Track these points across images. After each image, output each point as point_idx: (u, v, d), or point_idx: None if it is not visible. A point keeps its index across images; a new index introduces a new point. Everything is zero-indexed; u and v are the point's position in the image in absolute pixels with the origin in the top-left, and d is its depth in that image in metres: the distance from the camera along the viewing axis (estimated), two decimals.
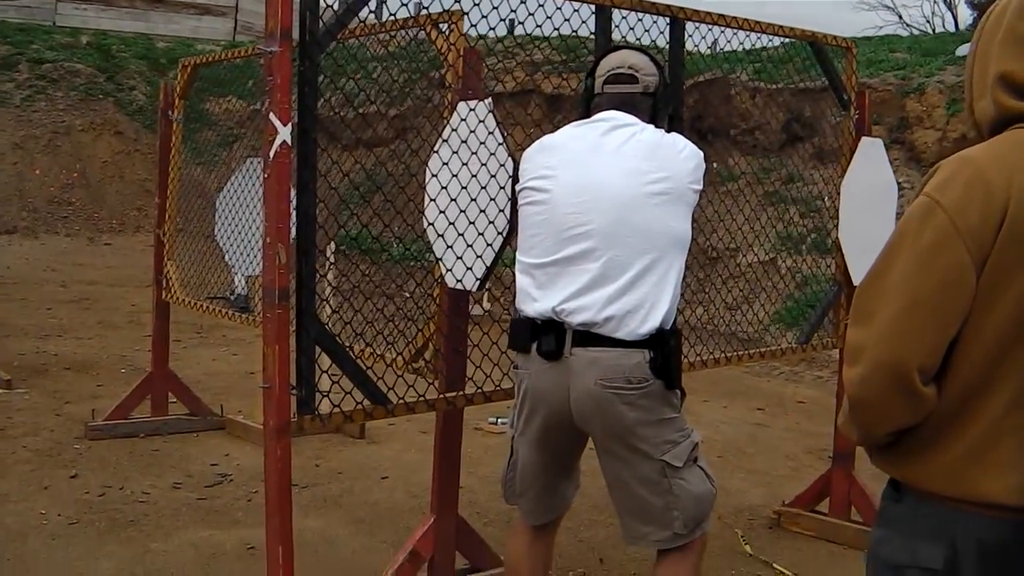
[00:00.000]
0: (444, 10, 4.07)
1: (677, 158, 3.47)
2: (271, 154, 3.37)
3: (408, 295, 5.24)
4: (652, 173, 3.39)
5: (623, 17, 4.32)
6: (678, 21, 4.51)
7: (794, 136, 13.60)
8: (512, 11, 4.01)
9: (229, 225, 6.65)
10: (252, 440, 6.84)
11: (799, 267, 10.42)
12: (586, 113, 3.67)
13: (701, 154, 3.55)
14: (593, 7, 4.23)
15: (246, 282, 7.61)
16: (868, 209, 5.42)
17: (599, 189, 3.37)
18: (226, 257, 7.37)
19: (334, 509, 5.69)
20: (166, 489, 5.86)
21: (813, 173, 10.59)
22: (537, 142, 3.63)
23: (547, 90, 15.23)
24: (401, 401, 3.80)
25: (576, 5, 4.17)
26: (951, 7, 33.49)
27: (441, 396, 3.99)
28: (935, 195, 2.05)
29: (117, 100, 19.85)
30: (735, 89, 13.84)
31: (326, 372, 3.57)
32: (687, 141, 3.55)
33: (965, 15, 33.94)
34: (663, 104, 3.67)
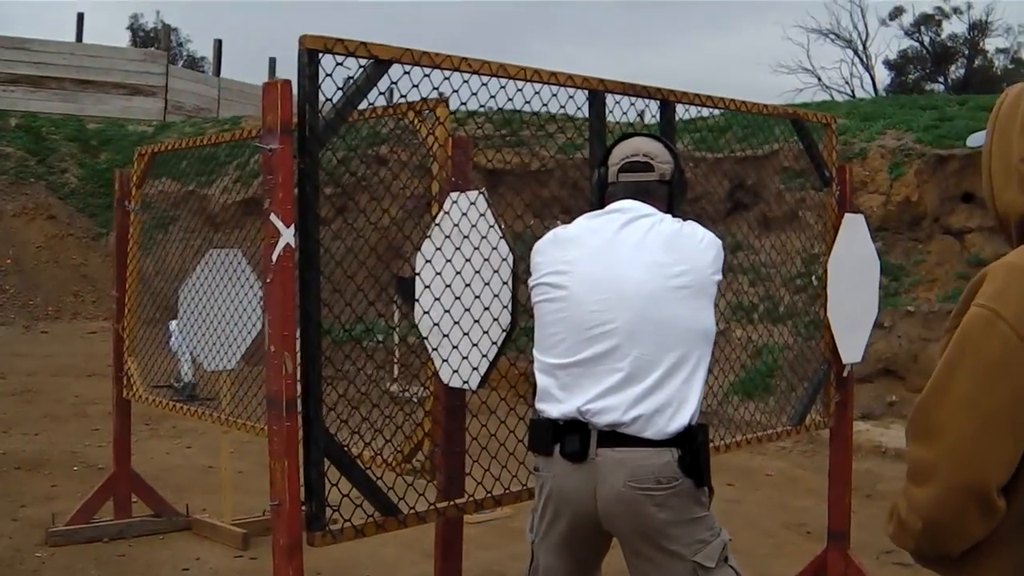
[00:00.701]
0: (424, 99, 3.93)
1: (697, 249, 3.38)
2: (274, 258, 3.21)
3: (403, 391, 5.06)
4: (673, 266, 3.30)
5: (616, 102, 4.23)
6: (668, 104, 4.43)
7: (738, 204, 13.65)
8: (509, 99, 3.88)
9: (192, 318, 6.44)
10: (221, 540, 6.61)
11: (751, 336, 10.38)
12: (600, 203, 3.57)
13: (720, 242, 3.45)
14: (587, 93, 4.13)
15: (193, 371, 7.42)
16: (853, 285, 5.36)
17: (621, 285, 3.27)
18: (171, 343, 7.17)
19: None
20: None
21: (759, 241, 10.63)
22: (550, 234, 3.51)
23: (487, 166, 15.15)
24: (412, 511, 3.61)
25: (571, 91, 4.07)
26: (868, 69, 34.20)
27: (452, 503, 3.81)
28: (994, 306, 1.98)
29: (49, 183, 19.56)
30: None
31: (335, 485, 3.37)
32: (705, 230, 3.45)
33: (883, 76, 34.64)
34: (679, 192, 3.58)
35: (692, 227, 3.44)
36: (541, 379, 3.36)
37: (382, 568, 6.17)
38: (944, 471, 1.97)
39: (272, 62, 28.19)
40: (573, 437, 3.23)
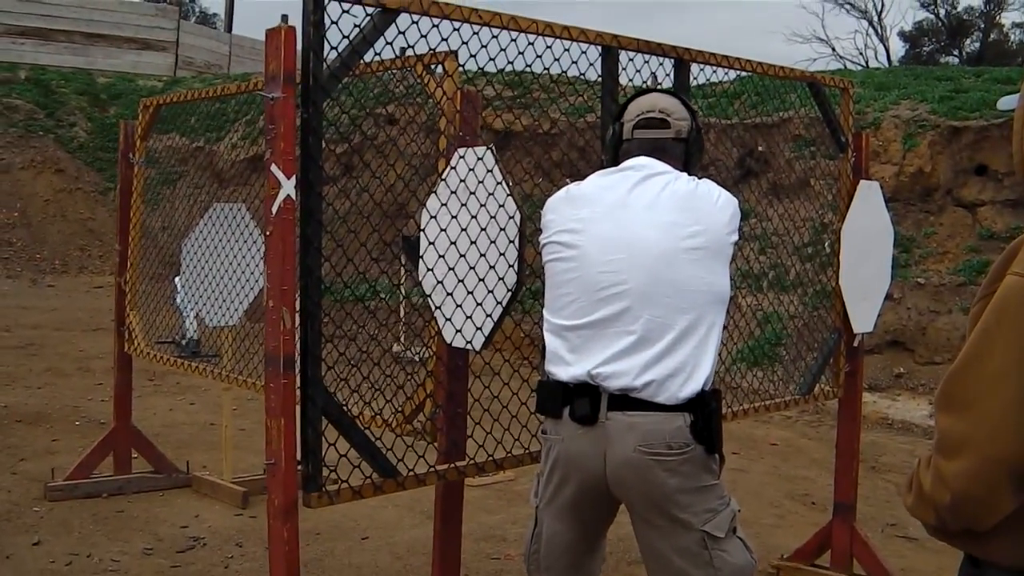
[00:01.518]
0: (432, 51, 3.83)
1: (713, 208, 3.27)
2: (274, 209, 3.13)
3: (403, 348, 4.97)
4: (688, 226, 3.20)
5: (630, 59, 4.13)
6: (683, 63, 4.32)
7: (748, 171, 13.53)
8: (520, 52, 3.78)
9: (195, 273, 6.37)
10: (221, 498, 6.55)
11: (760, 305, 10.29)
12: (614, 159, 3.49)
13: (736, 202, 3.36)
14: (600, 48, 4.02)
15: (197, 327, 7.35)
16: (866, 253, 5.26)
17: (634, 245, 3.17)
18: (177, 300, 7.11)
19: (317, 575, 5.40)
20: (137, 556, 5.54)
21: (768, 209, 10.51)
22: (562, 191, 3.41)
23: (497, 127, 15.03)
24: (411, 473, 3.54)
25: (583, 47, 3.96)
26: (883, 40, 33.93)
27: (452, 466, 3.73)
28: None
29: (57, 137, 19.49)
30: None
31: (333, 445, 3.29)
32: (721, 189, 3.35)
33: (897, 47, 34.40)
34: (696, 150, 3.48)
35: (708, 186, 3.34)
36: (550, 340, 3.27)
37: (382, 530, 6.11)
38: (978, 444, 1.91)
39: (284, 19, 27.98)
40: (583, 400, 3.15)
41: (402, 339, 10.37)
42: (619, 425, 3.12)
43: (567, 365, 3.20)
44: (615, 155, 3.50)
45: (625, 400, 3.12)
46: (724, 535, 3.20)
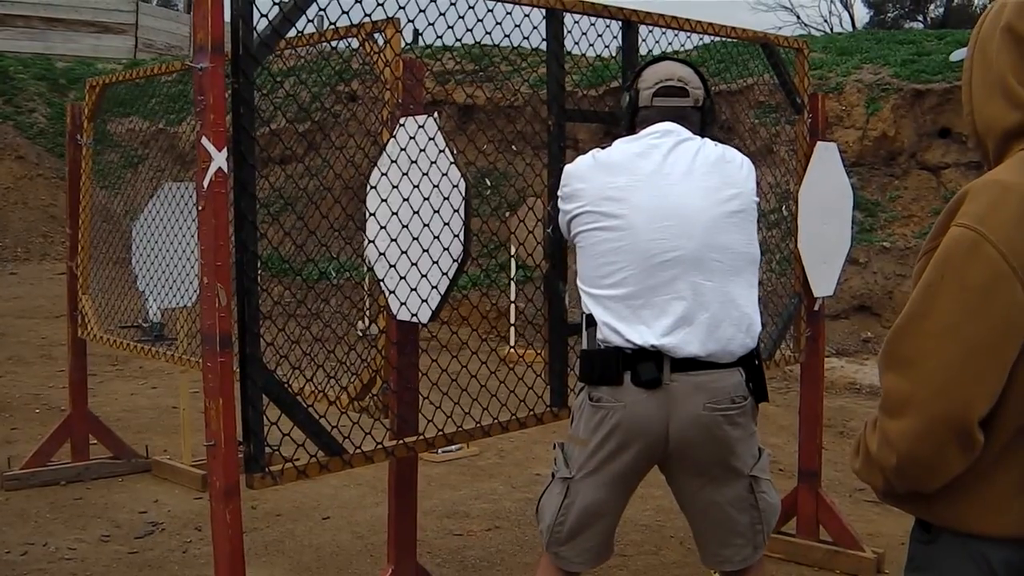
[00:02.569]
0: (380, 19, 3.73)
1: (740, 172, 3.41)
2: (205, 183, 3.03)
3: (353, 326, 4.90)
4: (724, 190, 3.33)
5: (575, 22, 4.04)
6: (632, 25, 4.24)
7: (712, 139, 13.47)
8: (460, 17, 3.69)
9: (146, 254, 6.27)
10: (181, 482, 6.46)
11: None
12: (631, 126, 3.52)
13: (752, 165, 3.50)
14: (544, 12, 3.93)
15: (160, 310, 7.25)
16: (825, 216, 5.20)
17: (681, 212, 3.26)
18: (138, 283, 7.00)
19: (277, 556, 5.32)
20: (94, 543, 5.44)
21: None
22: (587, 158, 3.42)
23: (460, 100, 14.90)
24: (359, 451, 3.45)
25: (527, 10, 3.87)
26: (847, 7, 33.90)
27: (400, 442, 3.64)
28: (978, 226, 1.84)
29: (17, 123, 19.20)
30: None
31: (275, 424, 3.20)
32: (739, 153, 3.47)
33: (862, 14, 34.40)
34: (710, 119, 3.55)
35: (730, 151, 3.46)
36: (597, 311, 3.31)
37: (343, 508, 6.03)
38: (923, 402, 1.86)
39: None
40: (648, 364, 3.22)
41: (366, 316, 10.30)
42: (685, 386, 3.24)
43: (620, 335, 3.24)
44: (632, 122, 3.52)
45: (687, 361, 3.22)
46: (767, 476, 3.45)
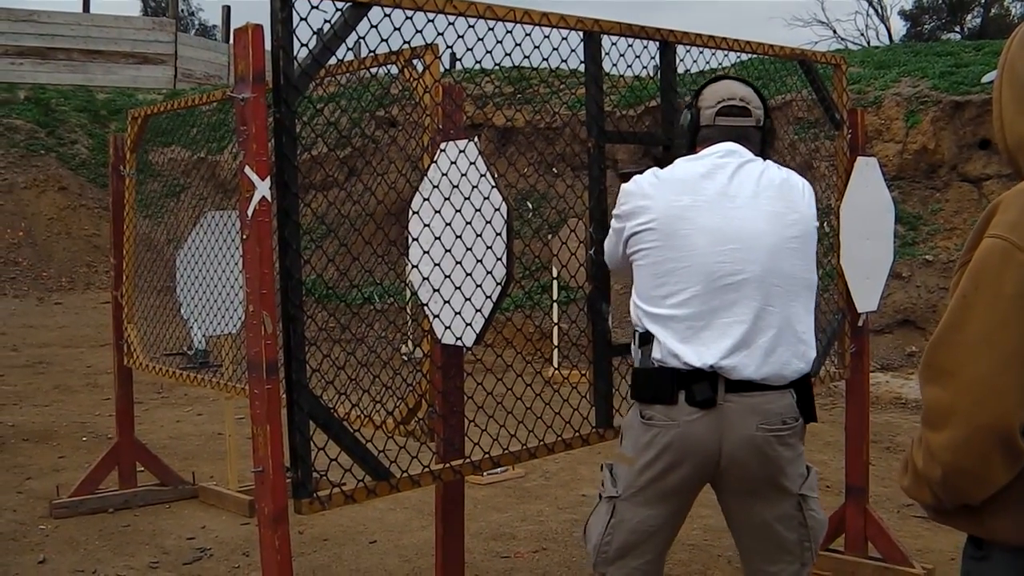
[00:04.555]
0: (419, 46, 3.76)
1: (802, 197, 3.43)
2: (249, 212, 3.06)
3: (397, 350, 4.92)
4: (788, 215, 3.35)
5: (613, 43, 4.05)
6: (669, 45, 4.24)
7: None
8: (498, 41, 3.70)
9: (190, 282, 6.33)
10: (228, 508, 6.50)
11: None
12: (692, 145, 3.52)
13: (811, 187, 3.51)
14: (582, 34, 3.95)
15: (205, 337, 7.30)
16: (867, 231, 5.17)
17: (747, 236, 3.27)
18: (182, 311, 7.06)
19: None
20: (142, 570, 5.48)
21: None
22: (649, 176, 3.43)
23: (499, 123, 14.95)
24: (405, 475, 3.46)
25: (565, 32, 3.89)
26: (884, 20, 33.80)
27: (447, 466, 3.65)
28: (1011, 236, 1.88)
29: (59, 155, 19.46)
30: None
31: (322, 449, 3.22)
32: (800, 177, 3.48)
33: (898, 26, 34.25)
34: (770, 138, 3.55)
35: (793, 175, 3.47)
36: (655, 330, 3.31)
37: (390, 533, 6.04)
38: (963, 412, 1.87)
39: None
40: (703, 385, 3.23)
41: (410, 340, 10.33)
42: (739, 407, 3.25)
43: (678, 355, 3.24)
44: (693, 140, 3.53)
45: (741, 382, 3.23)
46: (815, 494, 3.46)
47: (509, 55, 3.77)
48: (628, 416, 3.47)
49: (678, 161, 3.47)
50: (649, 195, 3.36)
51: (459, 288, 3.53)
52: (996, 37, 22.27)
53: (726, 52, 4.58)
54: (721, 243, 3.25)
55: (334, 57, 3.33)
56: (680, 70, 4.35)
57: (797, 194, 3.41)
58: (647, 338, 3.33)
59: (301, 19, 3.14)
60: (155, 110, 6.58)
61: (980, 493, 1.92)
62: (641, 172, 3.97)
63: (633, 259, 3.41)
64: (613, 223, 3.52)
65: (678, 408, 3.24)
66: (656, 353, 3.29)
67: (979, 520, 1.98)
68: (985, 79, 2.36)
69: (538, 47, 3.82)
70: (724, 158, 3.39)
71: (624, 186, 3.47)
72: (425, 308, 3.62)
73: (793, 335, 3.31)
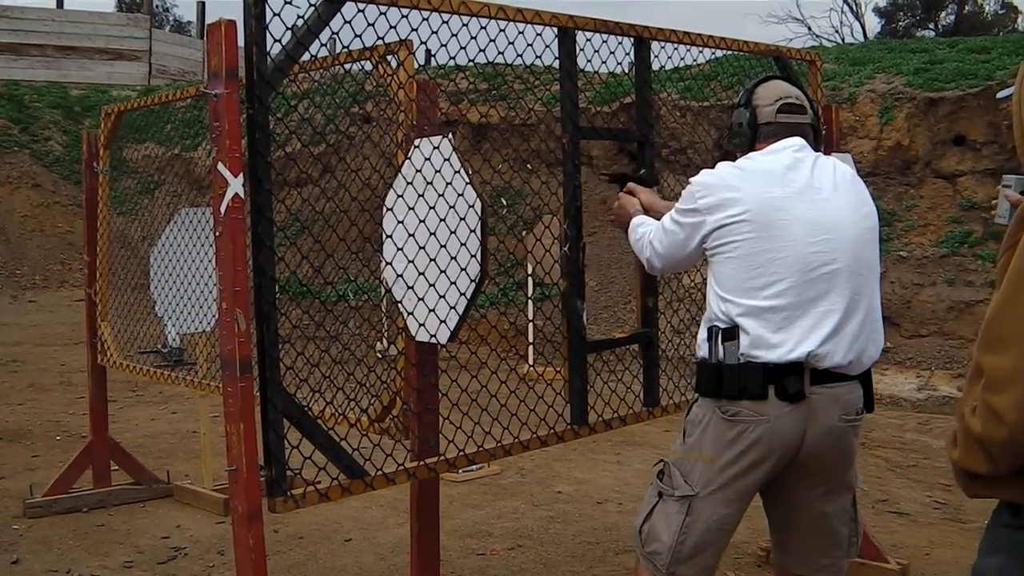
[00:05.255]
0: (393, 41, 3.74)
1: (867, 192, 3.52)
2: (222, 209, 3.05)
3: (372, 347, 4.90)
4: (862, 207, 3.45)
5: (587, 40, 4.05)
6: (644, 41, 4.25)
7: (726, 153, 13.44)
8: (472, 37, 3.69)
9: (164, 280, 6.30)
10: (203, 507, 6.46)
11: None
12: (751, 143, 3.53)
13: None
14: (556, 30, 3.94)
15: (179, 335, 7.27)
16: None
17: (836, 227, 3.34)
18: (156, 308, 7.03)
19: None
20: (117, 570, 5.44)
21: None
22: (729, 168, 3.43)
23: (474, 119, 14.93)
24: (380, 473, 3.45)
25: (539, 28, 3.88)
26: (859, 17, 33.88)
27: (422, 463, 3.64)
28: None
29: (33, 151, 19.33)
30: (664, 108, 13.69)
31: (296, 447, 3.21)
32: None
33: (873, 23, 34.35)
34: (819, 137, 3.64)
35: (854, 170, 3.58)
36: (747, 322, 3.30)
37: (365, 530, 6.02)
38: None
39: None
40: (795, 378, 3.26)
41: (385, 337, 10.31)
42: (824, 398, 3.30)
43: (774, 347, 3.26)
44: (753, 137, 3.54)
45: (824, 373, 3.28)
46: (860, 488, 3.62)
47: (483, 51, 3.76)
48: (698, 412, 3.43)
49: (753, 155, 3.47)
50: (736, 187, 3.34)
51: (433, 285, 3.52)
52: (970, 34, 22.37)
53: (701, 48, 4.58)
54: (816, 233, 3.29)
55: (307, 53, 3.31)
56: (655, 66, 4.36)
57: (863, 188, 3.51)
58: (732, 333, 3.31)
59: (274, 15, 3.14)
60: (129, 106, 6.54)
61: None
62: (635, 175, 4.01)
63: (719, 251, 3.37)
64: (680, 218, 3.47)
65: (768, 403, 3.26)
66: (744, 347, 3.28)
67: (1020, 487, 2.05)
68: (1001, 95, 2.45)
69: (512, 43, 3.82)
70: (800, 152, 3.44)
71: (699, 179, 3.43)
72: (399, 305, 3.61)
73: (874, 321, 3.40)
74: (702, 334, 3.41)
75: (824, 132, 5.18)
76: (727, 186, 3.35)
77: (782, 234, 3.27)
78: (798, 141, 3.47)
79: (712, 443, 3.35)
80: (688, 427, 3.47)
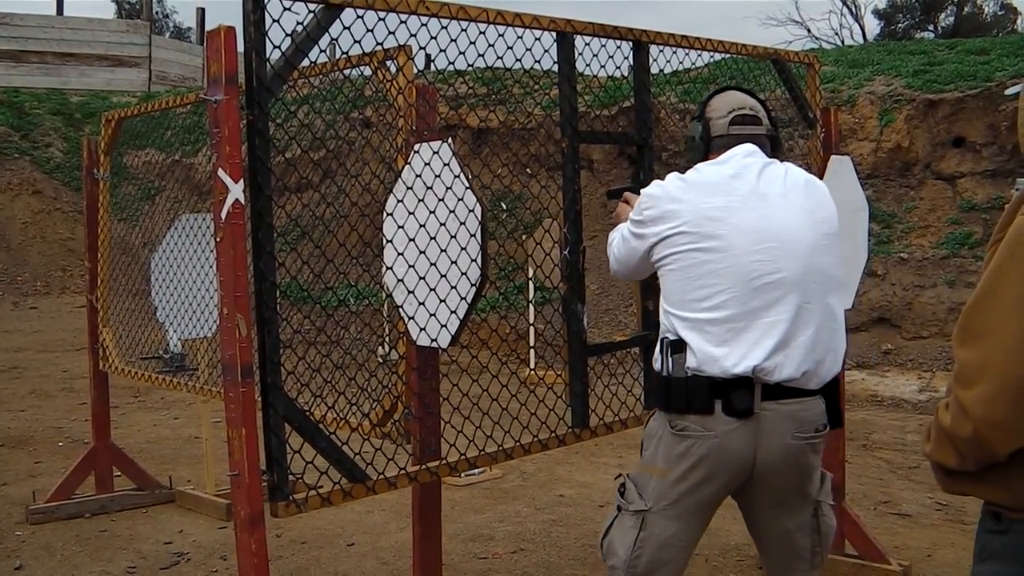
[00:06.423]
0: (392, 47, 3.76)
1: (826, 196, 3.44)
2: (223, 215, 3.06)
3: (373, 352, 4.91)
4: (818, 213, 3.34)
5: (586, 44, 4.06)
6: (642, 45, 4.26)
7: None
8: (471, 42, 3.70)
9: (165, 285, 6.31)
10: (205, 512, 6.47)
11: None
12: (704, 156, 3.48)
13: None
14: (555, 34, 3.95)
15: (180, 341, 7.28)
16: (841, 230, 5.17)
17: (784, 234, 3.24)
18: (157, 314, 7.04)
19: None
20: (120, 575, 5.46)
21: None
22: (674, 179, 3.38)
23: (473, 124, 14.95)
24: (382, 477, 3.46)
25: (538, 33, 3.89)
26: (858, 19, 33.88)
27: (423, 467, 3.65)
28: None
29: (33, 158, 19.33)
30: (663, 112, 13.70)
31: (298, 452, 3.22)
32: (817, 179, 3.50)
33: (872, 25, 34.35)
34: (777, 147, 3.55)
35: (812, 177, 3.48)
36: (690, 336, 3.23)
37: (368, 534, 6.03)
38: (995, 367, 1.98)
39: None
40: (742, 393, 3.18)
41: (386, 342, 10.31)
42: (776, 415, 3.20)
43: (717, 360, 3.18)
44: (706, 151, 3.49)
45: (777, 389, 3.19)
46: (829, 500, 3.50)
47: (482, 56, 3.78)
48: (653, 425, 3.40)
49: (700, 165, 3.42)
50: (678, 198, 3.30)
51: (434, 290, 3.53)
52: (969, 35, 22.40)
53: (699, 52, 4.59)
54: (759, 242, 3.21)
55: (307, 59, 3.33)
56: (654, 70, 4.37)
57: (820, 193, 3.42)
58: (679, 346, 3.25)
59: (274, 21, 3.14)
60: (129, 113, 6.55)
61: (1008, 444, 2.00)
62: (631, 188, 3.99)
63: (662, 264, 3.35)
64: (631, 229, 3.45)
65: (715, 418, 3.19)
66: (691, 361, 3.22)
67: (1005, 486, 2.05)
68: (1009, 91, 2.48)
69: (511, 48, 3.83)
70: (748, 158, 3.38)
71: (647, 191, 3.42)
72: (400, 310, 3.62)
73: (829, 332, 3.27)
74: (657, 347, 3.37)
75: (823, 134, 5.22)
76: (669, 198, 3.32)
77: (721, 244, 3.21)
78: (747, 147, 3.40)
79: (664, 457, 3.32)
80: (645, 440, 3.45)
